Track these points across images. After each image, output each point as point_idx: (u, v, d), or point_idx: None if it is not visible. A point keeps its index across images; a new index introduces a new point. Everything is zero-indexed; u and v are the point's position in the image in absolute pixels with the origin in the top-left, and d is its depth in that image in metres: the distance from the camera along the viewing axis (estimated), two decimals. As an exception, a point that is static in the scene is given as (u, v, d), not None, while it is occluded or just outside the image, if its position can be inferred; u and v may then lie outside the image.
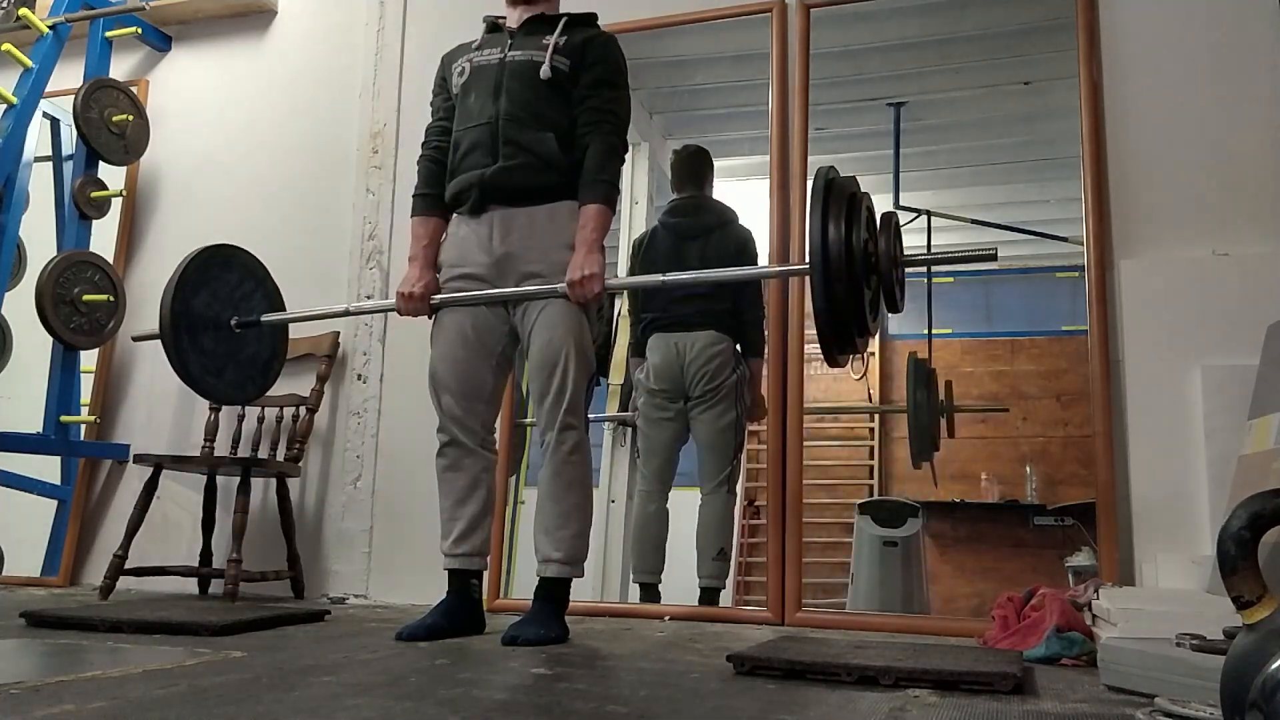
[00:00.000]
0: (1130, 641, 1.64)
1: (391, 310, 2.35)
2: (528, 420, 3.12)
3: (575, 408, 2.17)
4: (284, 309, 2.59)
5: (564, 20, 2.33)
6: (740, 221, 3.17)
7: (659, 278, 2.87)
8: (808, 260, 1.85)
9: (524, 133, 2.22)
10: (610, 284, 2.19)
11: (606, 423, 3.36)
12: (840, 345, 1.88)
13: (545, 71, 2.22)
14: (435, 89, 2.45)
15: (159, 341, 2.31)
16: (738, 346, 3.13)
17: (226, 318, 2.42)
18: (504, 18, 2.41)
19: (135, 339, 2.90)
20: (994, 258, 1.94)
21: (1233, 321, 2.37)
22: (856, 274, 1.84)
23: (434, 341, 2.30)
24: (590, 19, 2.38)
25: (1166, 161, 2.63)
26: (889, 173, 3.23)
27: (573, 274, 2.12)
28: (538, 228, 2.22)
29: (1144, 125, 2.67)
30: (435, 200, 2.35)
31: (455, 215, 2.33)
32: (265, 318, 2.46)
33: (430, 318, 2.31)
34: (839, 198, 1.85)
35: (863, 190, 1.94)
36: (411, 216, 2.39)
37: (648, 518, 3.11)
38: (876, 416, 3.44)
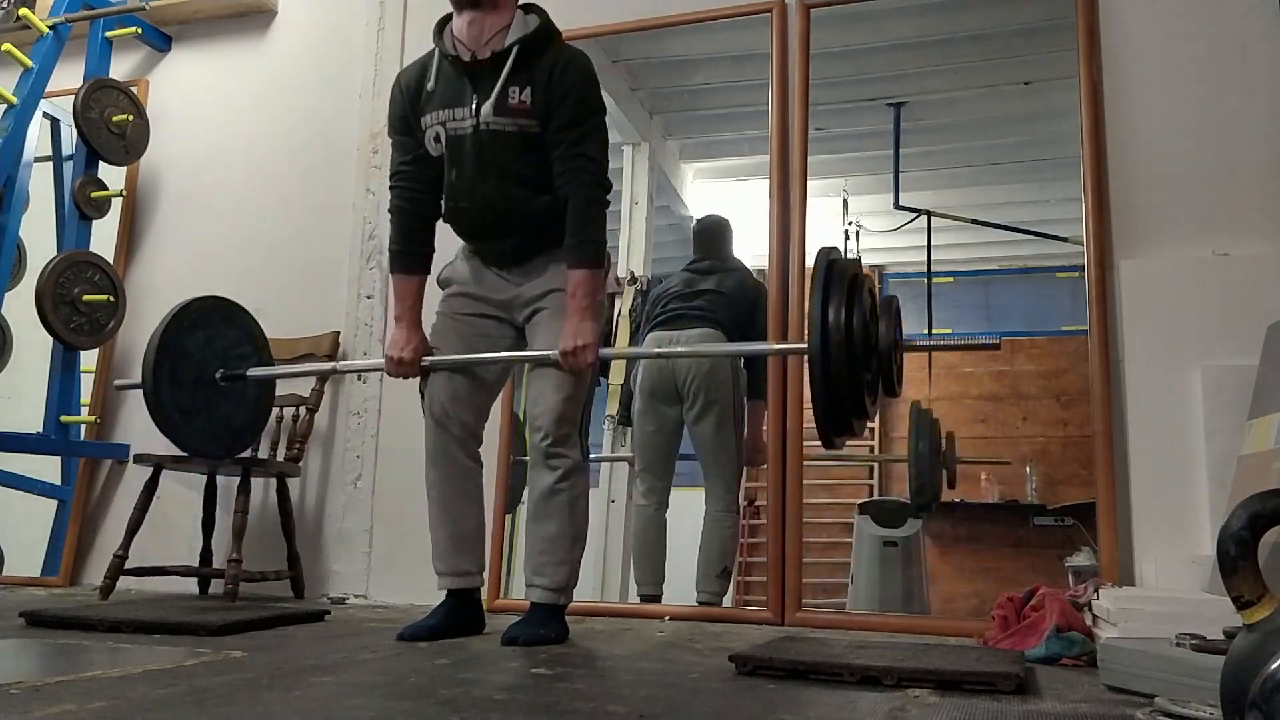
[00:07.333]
0: (1130, 641, 1.65)
1: (378, 370, 2.35)
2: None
3: (568, 437, 2.14)
4: (274, 382, 2.59)
5: (517, 52, 2.13)
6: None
7: (656, 350, 2.91)
8: (806, 340, 1.81)
9: (523, 206, 2.17)
10: (604, 353, 2.16)
11: (606, 422, 3.36)
12: (837, 429, 1.83)
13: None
14: (395, 124, 2.27)
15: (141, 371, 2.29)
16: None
17: (213, 370, 2.38)
18: (452, 26, 2.20)
19: (119, 387, 2.95)
20: (997, 348, 1.98)
21: (1233, 321, 2.37)
22: (856, 359, 1.80)
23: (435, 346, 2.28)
24: (546, 36, 2.18)
25: (1166, 161, 2.62)
26: (889, 173, 3.24)
27: (565, 344, 2.07)
28: (549, 271, 2.21)
29: (1144, 125, 2.66)
30: (415, 256, 2.26)
31: (465, 246, 2.30)
32: (252, 372, 2.42)
33: (421, 378, 2.25)
34: (840, 279, 1.81)
35: (865, 272, 1.90)
36: (391, 273, 2.30)
37: (646, 532, 3.10)
38: (876, 415, 3.45)
